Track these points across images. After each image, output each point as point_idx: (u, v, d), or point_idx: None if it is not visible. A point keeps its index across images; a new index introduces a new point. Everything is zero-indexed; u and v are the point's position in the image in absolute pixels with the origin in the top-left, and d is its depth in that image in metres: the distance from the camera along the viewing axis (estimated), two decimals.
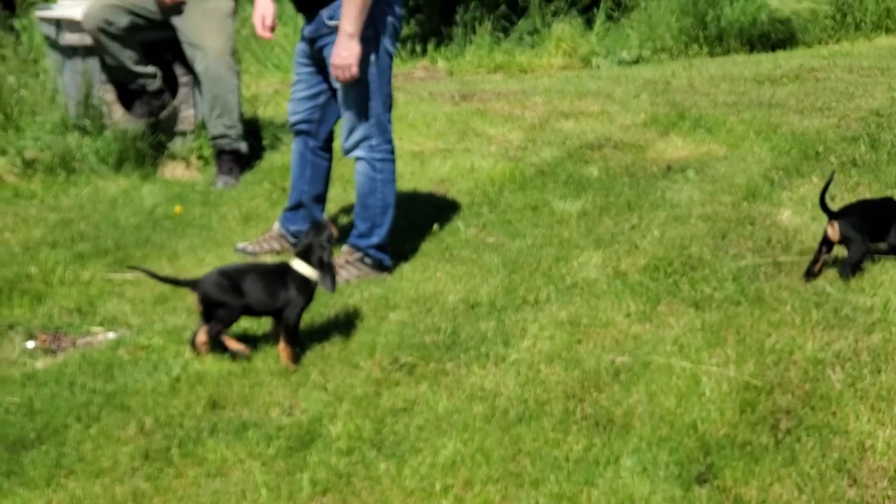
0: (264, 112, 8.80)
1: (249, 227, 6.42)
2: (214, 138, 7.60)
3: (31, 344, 4.81)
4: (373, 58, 5.20)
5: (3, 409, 4.15)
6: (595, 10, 13.55)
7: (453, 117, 9.11)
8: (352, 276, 5.40)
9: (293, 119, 5.73)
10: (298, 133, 5.75)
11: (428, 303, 5.06)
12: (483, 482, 3.51)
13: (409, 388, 4.22)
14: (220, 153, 7.61)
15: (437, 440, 3.79)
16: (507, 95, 10.03)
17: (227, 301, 4.41)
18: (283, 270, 4.55)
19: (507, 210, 6.52)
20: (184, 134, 7.97)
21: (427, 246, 5.89)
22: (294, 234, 5.79)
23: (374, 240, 5.46)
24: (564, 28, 12.98)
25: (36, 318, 5.07)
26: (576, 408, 3.99)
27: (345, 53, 5.03)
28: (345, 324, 4.87)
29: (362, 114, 5.28)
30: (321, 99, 5.61)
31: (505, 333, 4.69)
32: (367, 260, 5.46)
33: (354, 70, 5.06)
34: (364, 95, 5.25)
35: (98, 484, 3.58)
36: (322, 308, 4.99)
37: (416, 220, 6.33)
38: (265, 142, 8.26)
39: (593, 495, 3.42)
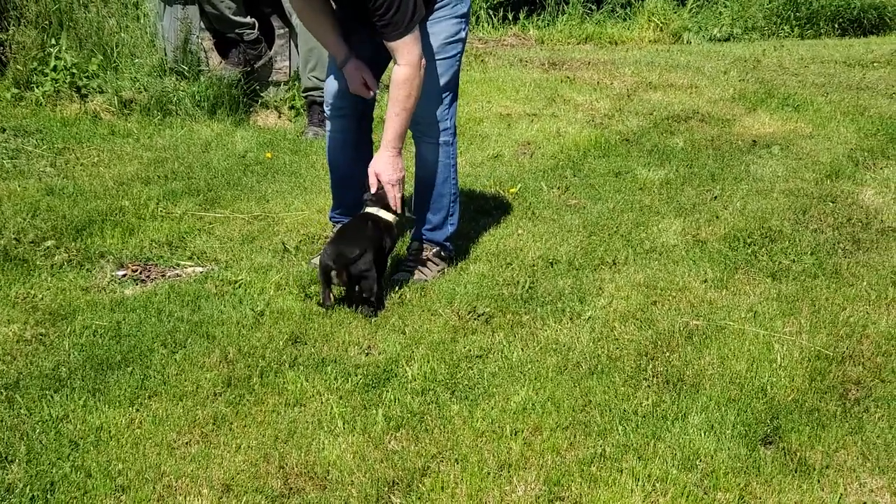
0: None
1: None
2: (307, 90, 7.73)
3: (120, 272, 4.97)
4: (462, 34, 4.80)
5: (92, 332, 4.30)
6: None
7: (542, 83, 9.17)
8: (434, 273, 4.98)
9: (336, 96, 4.92)
10: (340, 113, 4.97)
11: (508, 257, 5.14)
12: (552, 429, 3.59)
13: (484, 337, 4.31)
14: (311, 104, 7.74)
15: (510, 387, 3.88)
16: (597, 65, 10.05)
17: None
18: (366, 219, 4.65)
19: (591, 175, 6.57)
20: (278, 84, 8.14)
21: (510, 204, 5.96)
22: None
23: (450, 229, 5.08)
24: (657, 3, 12.95)
25: (127, 249, 5.23)
26: (647, 365, 4.06)
27: (393, 168, 4.59)
28: None
29: (440, 93, 4.79)
30: (376, 70, 4.87)
31: (581, 291, 4.76)
32: (444, 253, 5.09)
33: (400, 188, 4.66)
34: (446, 74, 4.78)
35: (180, 406, 3.71)
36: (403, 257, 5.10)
37: (501, 179, 6.42)
38: None
39: (659, 448, 3.48)
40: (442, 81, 4.78)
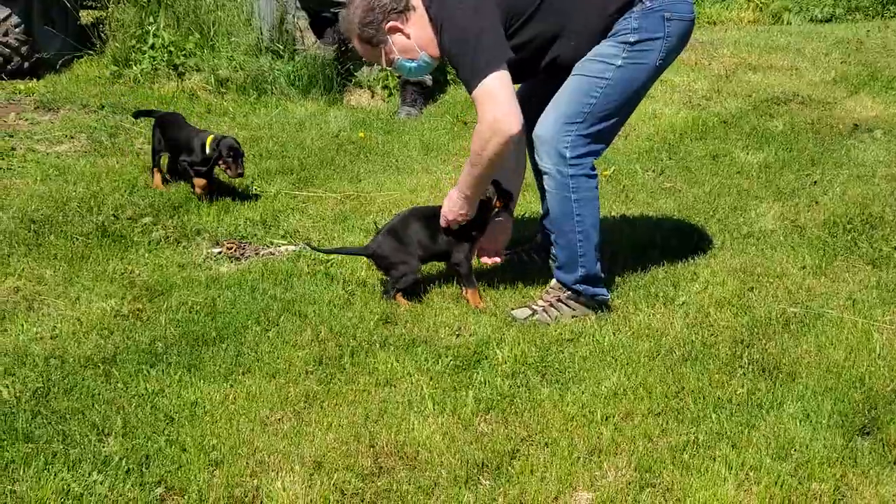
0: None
1: (430, 156, 6.54)
2: None
3: (216, 249, 5.02)
4: (620, 61, 4.20)
5: (188, 308, 4.36)
6: None
7: None
8: (564, 315, 4.37)
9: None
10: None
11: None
12: (644, 415, 3.55)
13: (575, 321, 4.28)
14: (404, 84, 7.74)
15: (601, 371, 3.84)
16: (695, 45, 9.90)
17: (399, 260, 4.47)
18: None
19: (687, 157, 6.49)
20: (371, 64, 8.12)
21: (603, 187, 5.88)
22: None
23: (580, 272, 4.37)
24: None
25: (222, 227, 5.29)
26: (743, 353, 3.99)
27: (453, 207, 4.38)
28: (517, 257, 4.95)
29: (563, 111, 4.22)
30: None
31: (675, 276, 4.70)
32: (582, 298, 4.41)
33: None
34: (579, 92, 4.22)
35: (273, 383, 3.74)
36: None
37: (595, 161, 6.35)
38: (449, 76, 8.36)
39: (754, 436, 3.42)
40: (570, 98, 4.23)
